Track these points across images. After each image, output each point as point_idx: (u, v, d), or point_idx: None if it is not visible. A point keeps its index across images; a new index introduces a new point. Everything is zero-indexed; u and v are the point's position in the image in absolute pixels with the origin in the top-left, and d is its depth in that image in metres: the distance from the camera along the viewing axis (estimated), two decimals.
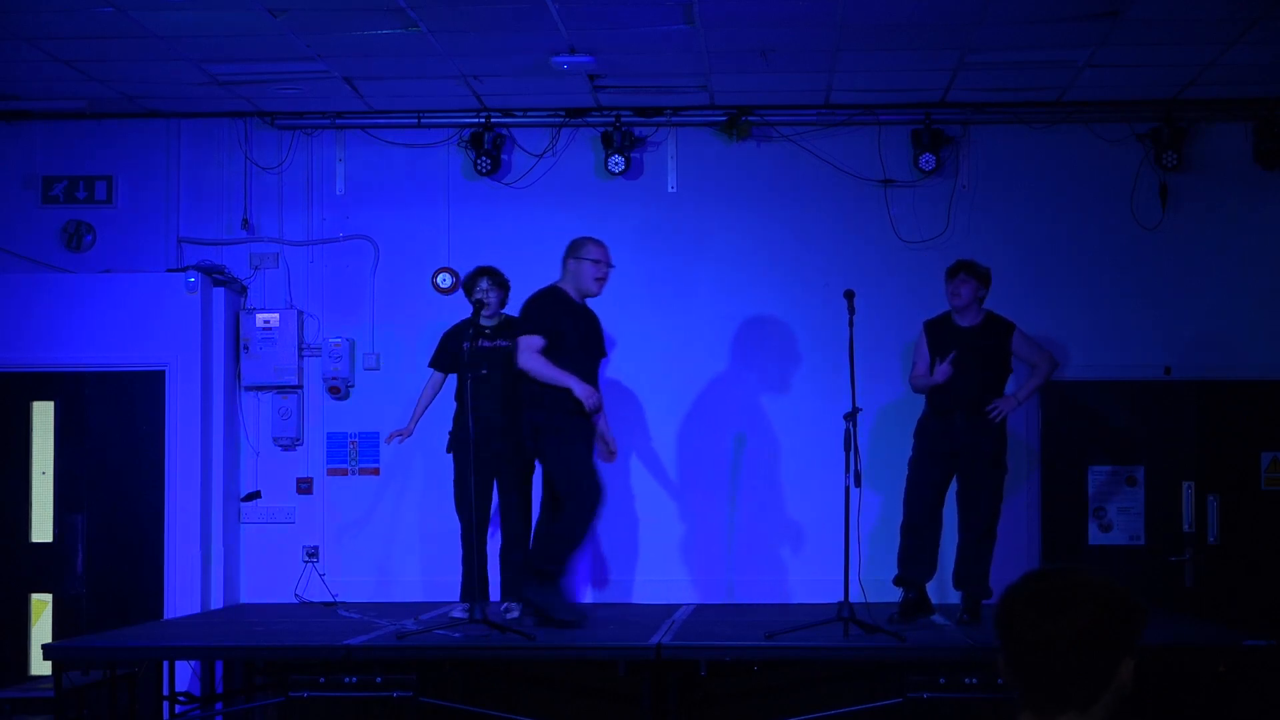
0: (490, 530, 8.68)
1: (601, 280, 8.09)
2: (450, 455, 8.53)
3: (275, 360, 9.80)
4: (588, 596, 9.66)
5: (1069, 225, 9.73)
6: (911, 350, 8.72)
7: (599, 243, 8.15)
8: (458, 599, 8.66)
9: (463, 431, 8.08)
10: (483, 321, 8.54)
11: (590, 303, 9.65)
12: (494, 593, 8.76)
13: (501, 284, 8.58)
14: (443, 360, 8.73)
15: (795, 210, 9.81)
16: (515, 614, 8.37)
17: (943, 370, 8.24)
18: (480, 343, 8.46)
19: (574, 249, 8.12)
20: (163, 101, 9.67)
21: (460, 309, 8.90)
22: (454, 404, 8.56)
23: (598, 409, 7.98)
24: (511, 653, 7.50)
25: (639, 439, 9.73)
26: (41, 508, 9.65)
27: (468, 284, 8.58)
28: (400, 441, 8.87)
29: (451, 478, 8.53)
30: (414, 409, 8.85)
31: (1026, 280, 9.57)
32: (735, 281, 9.39)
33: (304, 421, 9.87)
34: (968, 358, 8.30)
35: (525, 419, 7.96)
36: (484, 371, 8.39)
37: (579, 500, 7.93)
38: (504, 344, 8.48)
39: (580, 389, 7.83)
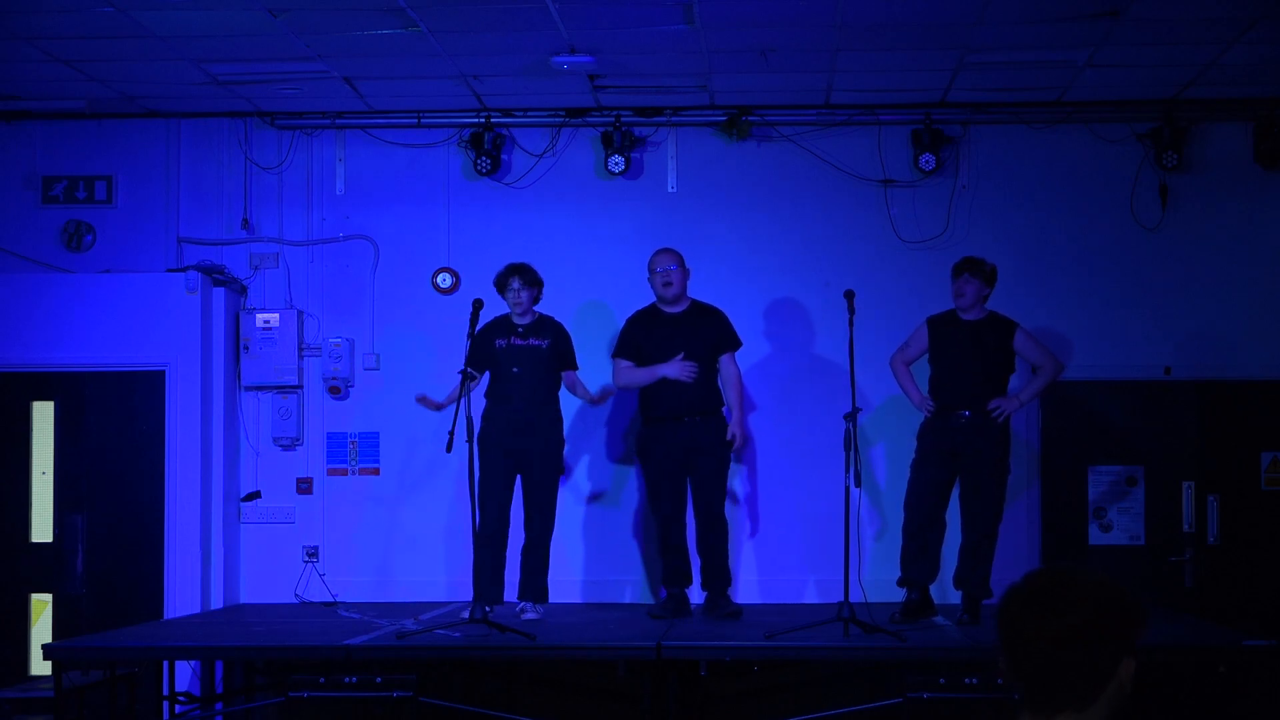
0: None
1: (667, 284, 8.62)
2: (450, 454, 8.46)
3: (275, 360, 9.80)
4: (588, 597, 9.67)
5: (1069, 225, 9.73)
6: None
7: (657, 253, 8.74)
8: (468, 598, 8.63)
9: (486, 429, 8.10)
10: (515, 320, 8.54)
11: (590, 303, 9.74)
12: (509, 593, 8.72)
13: (533, 282, 8.57)
14: (477, 361, 8.43)
15: (795, 210, 9.81)
16: (530, 615, 8.36)
17: (925, 405, 8.38)
18: (513, 340, 8.49)
19: (649, 267, 8.75)
20: (163, 101, 9.67)
21: (460, 308, 8.88)
22: (481, 401, 8.51)
23: (689, 375, 8.49)
24: (511, 653, 7.50)
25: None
26: (41, 508, 9.65)
27: (499, 282, 8.59)
28: (432, 406, 8.46)
29: (453, 477, 8.52)
30: (449, 395, 8.49)
31: (1027, 280, 9.57)
32: (735, 281, 9.39)
33: (304, 421, 9.87)
34: (969, 351, 8.33)
35: None
36: (515, 370, 8.42)
37: (653, 517, 8.84)
38: (536, 343, 8.52)
39: (667, 367, 8.51)
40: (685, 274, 8.69)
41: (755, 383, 9.67)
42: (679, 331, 8.63)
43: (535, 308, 8.64)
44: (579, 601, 9.58)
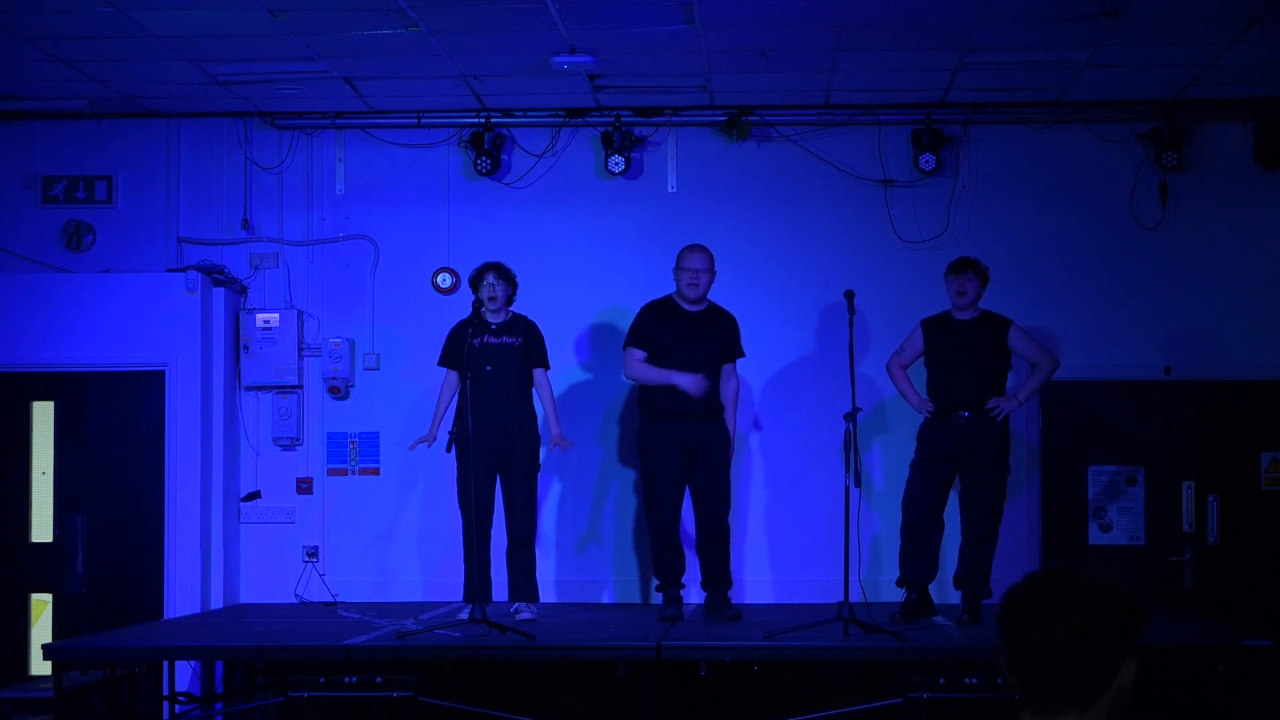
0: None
1: (694, 285, 8.55)
2: (449, 455, 8.47)
3: (275, 360, 9.79)
4: (584, 597, 9.67)
5: (1069, 225, 9.73)
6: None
7: (689, 250, 8.62)
8: (461, 599, 8.64)
9: (464, 429, 8.07)
10: (489, 319, 8.51)
11: (586, 302, 9.74)
12: (499, 593, 8.73)
13: (508, 279, 8.53)
14: (452, 358, 8.56)
15: (795, 210, 9.81)
16: (525, 615, 8.36)
17: (924, 407, 8.38)
18: (487, 339, 8.45)
19: (676, 261, 8.66)
20: (163, 101, 9.67)
21: (461, 309, 8.89)
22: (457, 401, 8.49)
23: (700, 392, 8.39)
24: (511, 653, 7.51)
25: None
26: (41, 508, 9.65)
27: (474, 279, 8.55)
28: (429, 446, 8.57)
29: (453, 477, 8.52)
30: (434, 411, 8.65)
31: (1027, 280, 9.57)
32: (735, 281, 9.38)
33: (304, 421, 9.87)
34: (966, 351, 8.34)
35: None
36: (489, 369, 8.39)
37: (647, 514, 8.74)
38: (510, 341, 8.49)
39: (683, 379, 8.39)
40: (713, 276, 8.62)
41: (755, 382, 9.67)
42: (696, 331, 8.57)
43: (510, 307, 8.60)
44: (579, 602, 9.59)
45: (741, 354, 8.76)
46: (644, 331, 8.62)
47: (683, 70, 8.99)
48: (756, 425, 9.75)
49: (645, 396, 8.65)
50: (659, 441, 8.54)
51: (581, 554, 9.76)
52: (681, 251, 8.63)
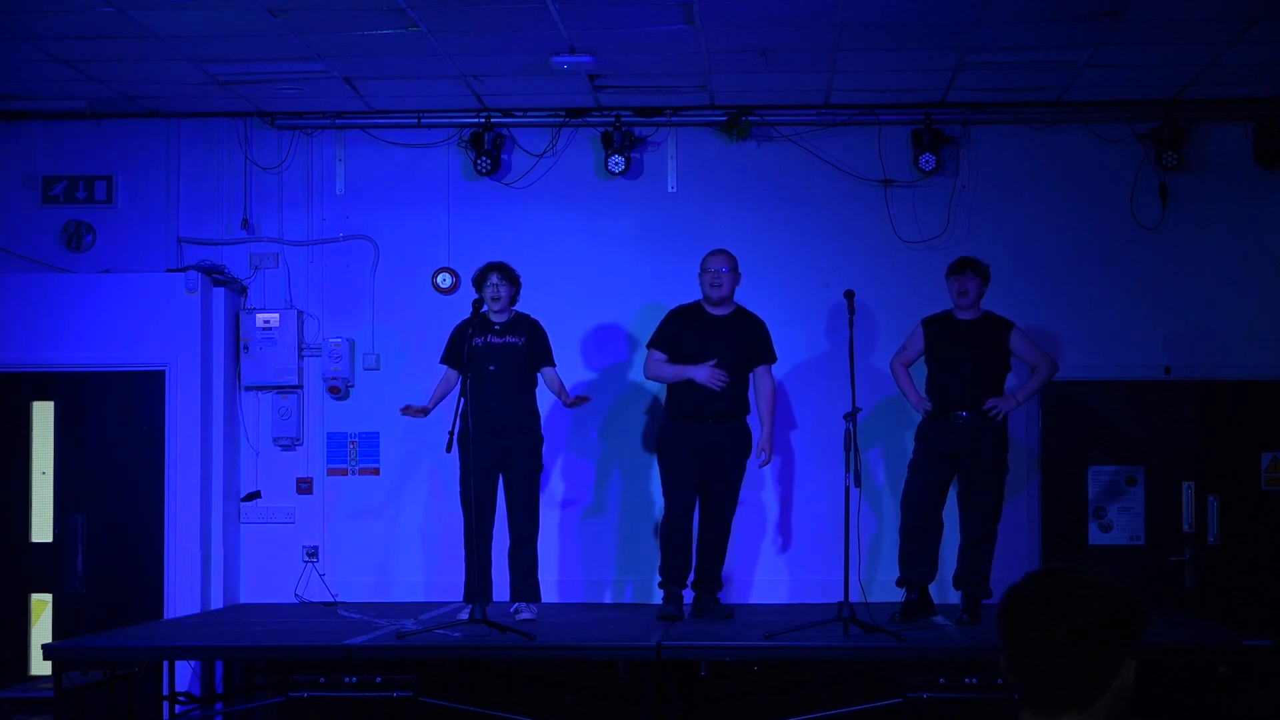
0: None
1: (716, 285, 8.55)
2: (449, 455, 8.44)
3: (275, 360, 9.79)
4: (585, 597, 9.67)
5: (1069, 225, 9.74)
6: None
7: (711, 253, 8.64)
8: (461, 599, 8.63)
9: (465, 429, 8.06)
10: (493, 318, 8.50)
11: (591, 303, 9.75)
12: (499, 593, 8.73)
13: (512, 279, 8.51)
14: (453, 357, 8.55)
15: (795, 210, 9.81)
16: (526, 615, 8.36)
17: (923, 406, 8.39)
18: (489, 339, 8.44)
19: (700, 266, 8.65)
20: (163, 101, 9.67)
21: (461, 309, 8.88)
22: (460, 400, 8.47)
23: (717, 383, 8.38)
24: (511, 653, 7.51)
25: (647, 440, 9.74)
26: (41, 508, 9.65)
27: (478, 279, 8.54)
28: (419, 416, 8.47)
29: (454, 476, 8.50)
30: (432, 394, 8.63)
31: (1027, 280, 9.58)
32: None
33: (304, 421, 9.87)
34: (966, 351, 8.35)
35: None
36: (491, 368, 8.38)
37: (664, 513, 8.66)
38: (513, 340, 8.48)
39: (697, 371, 8.40)
40: (736, 277, 8.59)
41: None
42: (720, 334, 8.55)
43: (514, 307, 8.59)
44: (579, 602, 9.59)
45: (773, 358, 8.68)
46: (667, 333, 8.64)
47: (683, 70, 8.99)
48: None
49: (671, 399, 8.65)
50: (675, 445, 8.54)
51: (581, 552, 9.75)
52: (705, 256, 8.62)
